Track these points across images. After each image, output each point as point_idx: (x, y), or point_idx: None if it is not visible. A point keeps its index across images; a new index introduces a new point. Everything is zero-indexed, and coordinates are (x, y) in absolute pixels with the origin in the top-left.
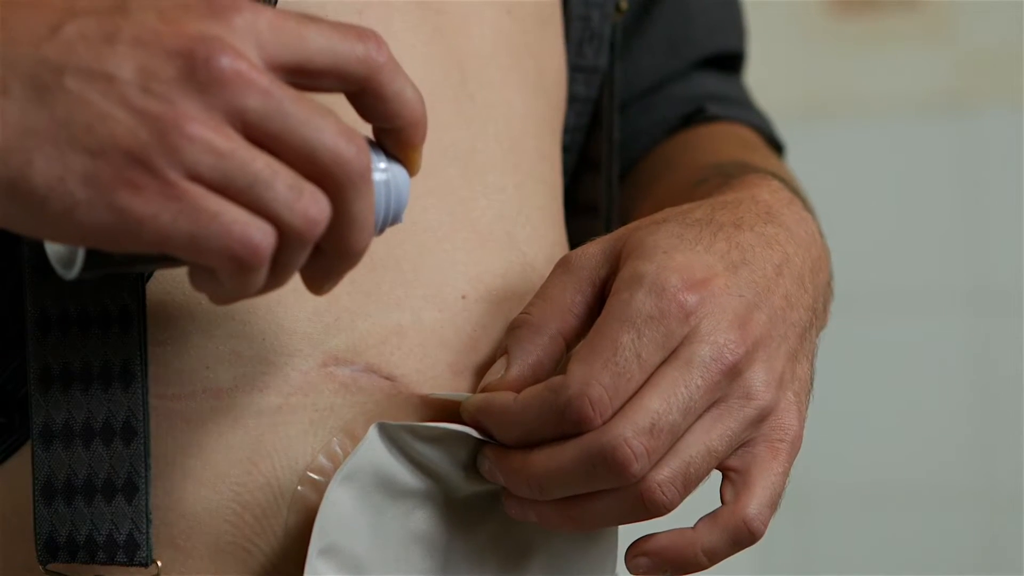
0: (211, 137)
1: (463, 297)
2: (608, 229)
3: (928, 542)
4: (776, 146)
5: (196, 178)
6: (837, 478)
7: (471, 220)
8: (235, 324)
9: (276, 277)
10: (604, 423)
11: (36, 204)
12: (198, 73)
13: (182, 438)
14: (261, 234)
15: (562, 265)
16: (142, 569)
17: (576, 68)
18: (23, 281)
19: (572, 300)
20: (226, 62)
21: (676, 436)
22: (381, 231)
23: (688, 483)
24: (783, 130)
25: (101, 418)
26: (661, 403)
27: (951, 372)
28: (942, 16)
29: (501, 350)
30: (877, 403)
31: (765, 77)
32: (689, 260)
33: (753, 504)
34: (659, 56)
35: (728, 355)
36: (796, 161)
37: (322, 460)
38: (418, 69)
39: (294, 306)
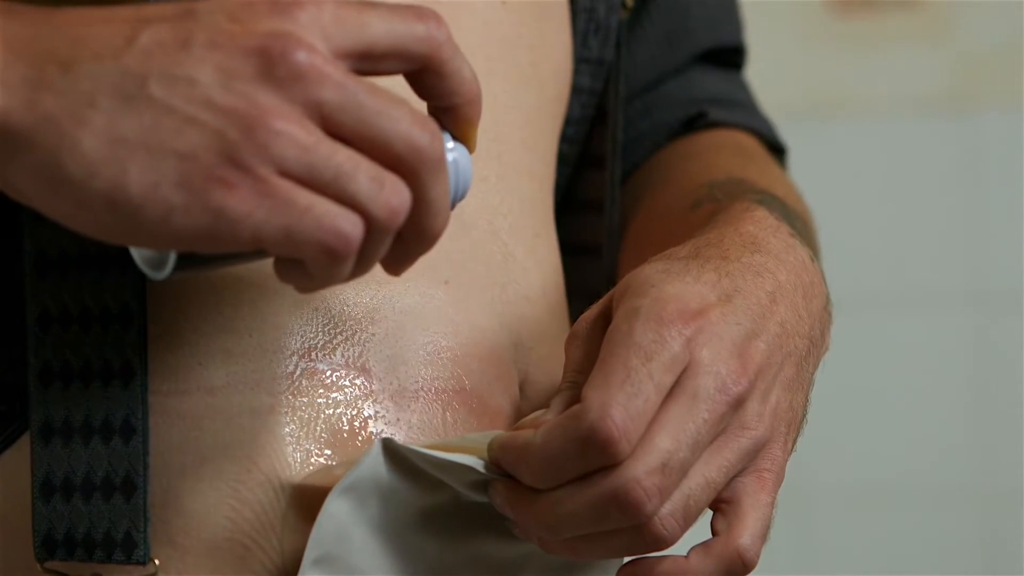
0: (295, 131)
1: (446, 283)
2: (611, 226)
3: (927, 541)
4: (778, 149)
5: (284, 173)
6: (837, 477)
7: (455, 208)
8: (223, 319)
9: (361, 265)
10: (631, 448)
11: (132, 213)
12: (276, 69)
13: (179, 435)
14: (351, 225)
15: (571, 338)
16: (140, 567)
17: (581, 60)
18: (24, 276)
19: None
20: (302, 56)
21: (685, 472)
22: (452, 208)
23: (688, 516)
24: (782, 130)
25: (100, 416)
26: (671, 441)
27: (951, 372)
28: (941, 16)
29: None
30: (877, 402)
31: (764, 77)
32: (680, 291)
33: (746, 535)
34: (656, 50)
35: (732, 386)
36: (795, 161)
37: (320, 460)
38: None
39: (276, 299)
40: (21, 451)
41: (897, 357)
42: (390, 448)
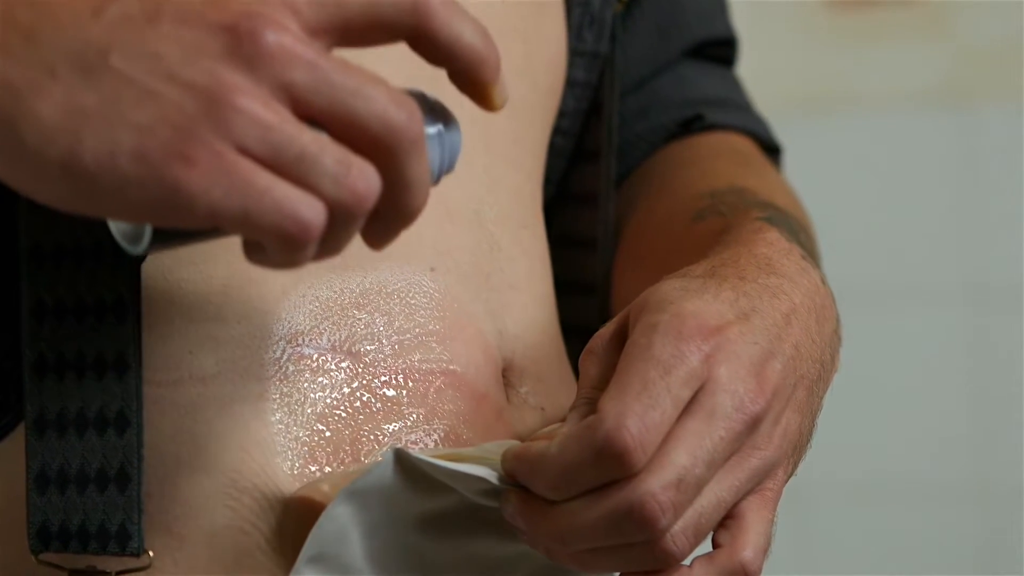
0: (258, 109)
1: (432, 270)
2: (606, 220)
3: (927, 539)
4: (773, 149)
5: (244, 151)
6: (835, 474)
7: (441, 196)
8: (212, 306)
9: (328, 248)
10: (646, 459)
11: (87, 182)
12: (243, 47)
13: (172, 425)
14: (312, 211)
15: (587, 355)
16: (134, 559)
17: (576, 53)
18: (19, 267)
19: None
20: (271, 36)
21: (700, 489)
22: (437, 182)
23: (699, 534)
24: (781, 125)
25: (95, 408)
26: (688, 457)
27: (949, 368)
28: (940, 11)
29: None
30: (875, 398)
31: (763, 72)
32: (699, 308)
33: (750, 548)
34: (649, 42)
35: (749, 405)
36: (793, 157)
37: (308, 447)
38: (399, 47)
39: (264, 286)
40: (14, 442)
41: (895, 353)
42: (402, 458)
